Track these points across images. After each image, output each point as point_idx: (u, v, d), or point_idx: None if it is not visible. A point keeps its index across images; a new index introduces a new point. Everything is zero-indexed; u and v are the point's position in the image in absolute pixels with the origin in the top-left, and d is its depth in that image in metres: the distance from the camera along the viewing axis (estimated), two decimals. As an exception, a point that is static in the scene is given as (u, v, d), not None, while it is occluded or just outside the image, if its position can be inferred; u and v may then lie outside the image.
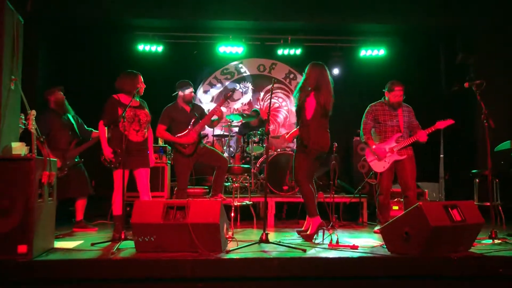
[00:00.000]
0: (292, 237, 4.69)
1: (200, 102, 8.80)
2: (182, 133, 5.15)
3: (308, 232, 4.48)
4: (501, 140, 5.83)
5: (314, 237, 4.43)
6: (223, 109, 5.35)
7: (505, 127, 6.68)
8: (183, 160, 5.16)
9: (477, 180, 6.23)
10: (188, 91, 5.22)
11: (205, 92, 8.94)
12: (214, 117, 5.29)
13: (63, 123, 5.38)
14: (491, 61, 7.30)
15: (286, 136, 4.78)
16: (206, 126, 5.37)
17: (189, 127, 5.17)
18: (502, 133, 6.12)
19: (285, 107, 9.01)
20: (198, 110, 5.39)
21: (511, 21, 7.16)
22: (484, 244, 4.14)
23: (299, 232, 4.70)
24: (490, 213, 4.71)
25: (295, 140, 4.73)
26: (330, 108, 4.53)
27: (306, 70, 4.64)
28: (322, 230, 4.45)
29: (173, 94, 5.30)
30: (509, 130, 6.65)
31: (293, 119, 8.85)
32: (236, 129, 7.86)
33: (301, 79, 4.75)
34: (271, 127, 8.86)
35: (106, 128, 4.63)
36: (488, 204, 4.90)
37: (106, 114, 4.61)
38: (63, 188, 4.95)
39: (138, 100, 4.72)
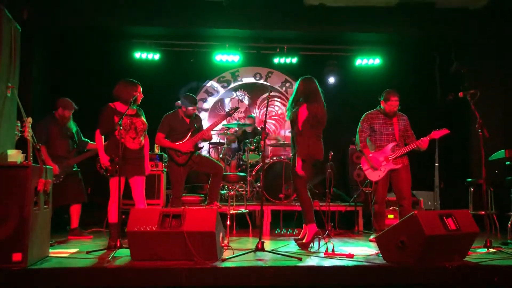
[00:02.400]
0: (288, 246, 4.69)
1: (198, 110, 8.80)
2: (179, 142, 5.17)
3: (304, 240, 4.49)
4: (496, 149, 5.87)
5: (310, 245, 4.43)
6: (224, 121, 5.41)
7: (500, 136, 6.73)
8: (177, 169, 5.17)
9: (471, 189, 6.26)
10: (191, 108, 5.23)
11: (202, 100, 8.97)
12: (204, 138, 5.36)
13: (63, 132, 5.39)
14: (485, 71, 7.36)
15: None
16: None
17: (187, 137, 5.19)
18: (496, 142, 6.17)
19: (282, 115, 9.04)
20: (197, 122, 5.41)
21: (503, 32, 7.23)
22: (479, 253, 4.16)
23: (296, 241, 4.71)
24: (484, 222, 4.73)
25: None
26: (322, 118, 4.62)
27: (296, 85, 4.77)
28: (318, 239, 4.47)
29: (176, 103, 5.31)
30: (504, 139, 6.70)
31: (289, 128, 8.88)
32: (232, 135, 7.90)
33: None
34: (270, 134, 8.88)
35: (103, 137, 4.62)
36: (483, 213, 4.92)
37: (102, 123, 4.59)
38: (58, 195, 4.94)
39: (135, 108, 4.72)
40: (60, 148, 5.32)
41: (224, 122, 7.90)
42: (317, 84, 4.72)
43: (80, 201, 5.42)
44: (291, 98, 4.78)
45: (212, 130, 5.38)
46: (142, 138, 4.71)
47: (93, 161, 4.69)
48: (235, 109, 5.47)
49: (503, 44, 7.29)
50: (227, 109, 8.82)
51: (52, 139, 5.28)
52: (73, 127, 5.51)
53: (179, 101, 5.30)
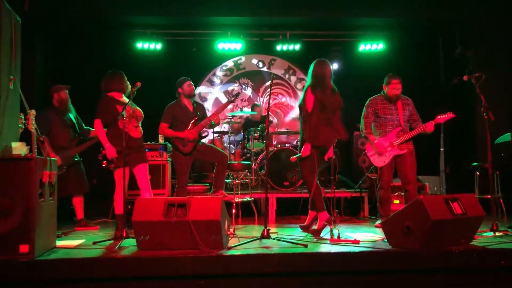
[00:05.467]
0: (294, 233, 4.70)
1: (201, 99, 8.80)
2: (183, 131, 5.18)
3: (316, 227, 4.49)
4: (501, 132, 5.82)
5: (322, 232, 4.44)
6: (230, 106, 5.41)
7: (505, 120, 6.68)
8: (182, 158, 5.17)
9: (477, 173, 6.23)
10: (186, 85, 5.24)
11: (206, 89, 8.94)
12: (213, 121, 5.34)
13: (64, 122, 5.38)
14: (490, 54, 7.28)
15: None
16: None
17: (190, 125, 5.18)
18: (502, 126, 6.11)
19: (285, 102, 9.00)
20: (200, 110, 5.42)
21: (509, 13, 7.13)
22: (486, 237, 4.14)
23: (302, 227, 4.71)
24: (491, 206, 4.71)
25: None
26: (329, 103, 4.52)
27: (310, 68, 4.71)
28: (326, 226, 4.46)
29: (176, 95, 5.31)
30: (509, 122, 6.64)
31: (293, 115, 8.85)
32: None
33: (300, 74, 4.79)
34: (274, 121, 8.85)
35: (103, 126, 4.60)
36: (489, 196, 4.89)
37: (103, 113, 4.57)
38: (61, 186, 4.96)
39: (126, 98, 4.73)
40: (62, 139, 5.30)
41: (229, 109, 7.89)
42: (329, 67, 4.64)
43: (82, 192, 5.43)
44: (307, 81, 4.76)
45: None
46: (140, 127, 4.72)
47: (97, 152, 4.68)
48: (237, 95, 5.46)
49: (507, 26, 7.19)
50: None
51: (53, 130, 5.26)
52: (72, 111, 5.49)
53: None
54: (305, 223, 4.73)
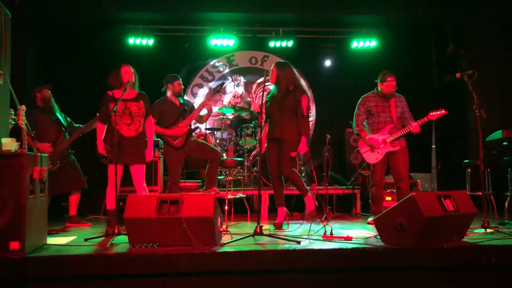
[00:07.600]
0: (287, 229, 4.70)
1: (193, 95, 8.76)
2: (172, 126, 5.15)
3: (277, 221, 4.79)
4: (493, 129, 5.86)
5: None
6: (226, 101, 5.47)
7: (497, 117, 6.73)
8: (174, 154, 5.15)
9: (469, 170, 6.27)
10: (177, 83, 5.26)
11: (198, 85, 8.90)
12: (203, 112, 5.32)
13: (50, 119, 5.37)
14: (482, 52, 7.32)
15: None
16: (195, 121, 5.39)
17: (180, 119, 5.18)
18: (493, 123, 6.16)
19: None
20: (187, 104, 5.44)
21: (501, 11, 7.17)
22: (477, 234, 4.17)
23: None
24: (482, 203, 4.74)
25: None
26: None
27: (283, 70, 4.78)
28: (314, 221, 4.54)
29: (162, 90, 5.30)
30: (501, 119, 6.69)
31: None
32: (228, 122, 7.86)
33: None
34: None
35: (105, 125, 4.56)
36: (480, 193, 4.93)
37: (100, 112, 4.61)
38: (56, 183, 4.94)
39: (137, 91, 4.66)
40: (49, 135, 5.29)
41: (219, 107, 7.86)
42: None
43: (79, 189, 5.40)
44: (273, 88, 4.84)
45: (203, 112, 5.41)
46: (140, 123, 4.61)
47: (90, 147, 4.65)
48: (221, 84, 5.50)
49: (499, 24, 7.23)
50: (225, 96, 8.77)
51: (40, 128, 5.21)
52: (59, 115, 5.47)
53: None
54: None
